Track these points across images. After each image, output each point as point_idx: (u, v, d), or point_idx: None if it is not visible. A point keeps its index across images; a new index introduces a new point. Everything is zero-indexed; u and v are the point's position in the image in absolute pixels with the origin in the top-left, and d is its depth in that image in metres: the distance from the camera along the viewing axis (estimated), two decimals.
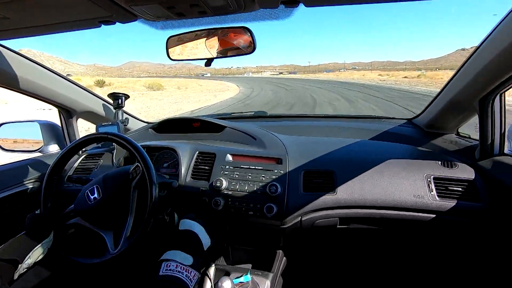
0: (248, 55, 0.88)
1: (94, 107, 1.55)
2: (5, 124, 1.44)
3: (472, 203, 1.02)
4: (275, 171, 1.19)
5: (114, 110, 1.49)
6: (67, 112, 1.50)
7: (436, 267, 1.43)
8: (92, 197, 0.90)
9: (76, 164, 1.44)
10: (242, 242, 1.32)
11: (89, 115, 1.59)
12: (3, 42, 1.08)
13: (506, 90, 1.00)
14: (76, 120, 1.54)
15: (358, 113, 10.23)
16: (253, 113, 1.99)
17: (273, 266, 1.24)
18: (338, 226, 1.16)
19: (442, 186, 1.07)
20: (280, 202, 1.11)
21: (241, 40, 0.84)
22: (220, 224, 1.22)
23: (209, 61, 0.90)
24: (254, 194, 1.14)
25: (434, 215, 1.05)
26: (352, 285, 1.53)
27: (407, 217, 1.07)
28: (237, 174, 1.20)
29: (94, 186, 0.91)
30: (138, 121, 1.86)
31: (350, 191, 1.10)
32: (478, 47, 0.96)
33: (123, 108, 1.50)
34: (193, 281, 0.79)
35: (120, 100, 1.29)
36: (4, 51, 1.08)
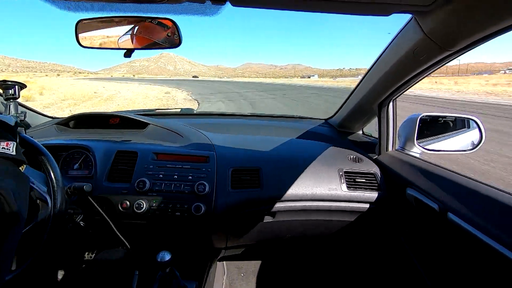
0: (172, 49, 0.84)
1: None
2: None
3: (374, 191, 1.20)
4: (203, 169, 1.17)
5: (5, 102, 1.23)
6: None
7: (350, 250, 1.64)
8: None
9: None
10: (168, 246, 1.27)
11: None
12: None
13: (397, 97, 1.21)
14: None
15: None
16: (179, 110, 1.92)
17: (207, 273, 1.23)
18: (265, 220, 1.21)
19: (351, 178, 1.23)
20: (209, 201, 1.10)
21: (166, 32, 0.79)
22: (143, 228, 1.14)
23: (128, 52, 0.82)
24: (181, 194, 1.10)
25: (345, 203, 1.20)
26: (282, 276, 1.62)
27: (323, 207, 1.20)
28: (162, 173, 1.14)
29: None
30: (40, 115, 1.58)
31: (275, 187, 1.17)
32: (376, 61, 1.14)
33: (18, 100, 1.25)
34: None
35: (13, 90, 1.07)
36: None
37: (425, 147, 1.21)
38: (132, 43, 0.81)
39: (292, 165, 1.25)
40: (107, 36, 0.82)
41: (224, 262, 1.65)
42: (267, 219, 1.22)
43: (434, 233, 1.01)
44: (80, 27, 0.82)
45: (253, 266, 1.66)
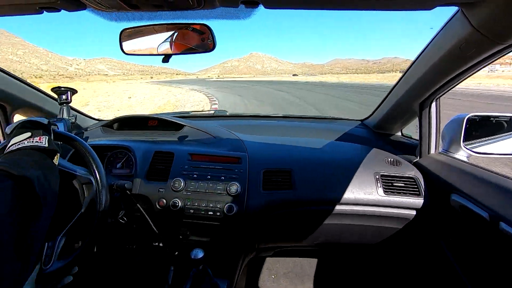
0: (208, 53, 0.87)
1: (35, 102, 1.39)
2: None
3: (413, 197, 1.13)
4: (235, 170, 1.19)
5: (59, 106, 1.36)
6: (2, 108, 1.33)
7: (387, 257, 1.55)
8: None
9: None
10: (201, 243, 1.31)
11: (29, 111, 1.43)
12: None
13: (441, 96, 1.12)
14: (13, 117, 1.37)
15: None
16: (213, 112, 1.97)
17: (237, 270, 1.25)
18: (296, 223, 1.20)
19: (388, 182, 1.17)
20: (241, 201, 1.12)
21: (201, 37, 0.82)
22: (178, 225, 1.19)
23: (166, 57, 0.87)
24: (214, 194, 1.13)
25: (381, 209, 1.14)
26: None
27: (358, 211, 1.15)
28: (196, 174, 1.18)
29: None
30: (88, 118, 1.72)
31: (307, 189, 1.15)
32: (417, 57, 1.07)
33: (70, 104, 1.38)
34: None
35: (66, 95, 1.18)
36: None
37: (473, 149, 1.11)
38: (170, 49, 0.85)
39: (324, 167, 1.22)
40: (148, 43, 0.87)
41: (256, 262, 1.66)
42: (299, 221, 1.20)
43: (483, 242, 0.92)
44: (124, 35, 0.88)
45: (284, 268, 1.65)
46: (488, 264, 0.91)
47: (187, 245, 1.25)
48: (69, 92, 1.17)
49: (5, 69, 1.24)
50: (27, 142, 0.69)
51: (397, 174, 1.19)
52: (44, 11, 0.72)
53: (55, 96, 1.22)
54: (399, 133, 1.54)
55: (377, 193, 1.14)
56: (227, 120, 1.80)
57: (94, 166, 0.85)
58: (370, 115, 1.63)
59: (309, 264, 1.66)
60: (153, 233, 1.22)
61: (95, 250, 1.32)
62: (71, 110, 1.23)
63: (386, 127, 1.53)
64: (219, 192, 1.13)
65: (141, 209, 1.15)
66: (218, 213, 1.11)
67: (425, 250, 1.25)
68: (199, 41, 0.82)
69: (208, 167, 1.20)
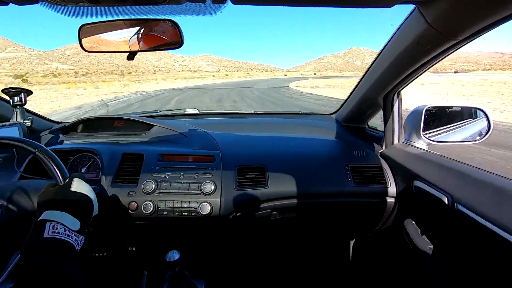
0: (174, 49, 0.85)
1: None
2: None
3: (381, 186, 1.19)
4: (209, 169, 1.17)
5: (12, 109, 1.25)
6: None
7: (357, 244, 1.63)
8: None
9: None
10: (176, 245, 1.28)
11: None
12: None
13: (402, 89, 1.20)
14: None
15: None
16: (182, 111, 1.92)
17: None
18: (272, 218, 1.22)
19: (357, 173, 1.23)
20: (215, 200, 1.11)
21: (167, 34, 0.79)
22: (151, 229, 1.15)
23: (131, 55, 0.83)
24: (187, 194, 1.11)
25: (353, 199, 1.20)
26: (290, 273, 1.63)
27: (332, 202, 1.20)
28: (168, 174, 1.15)
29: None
30: (46, 121, 1.60)
31: (280, 184, 1.17)
32: (380, 53, 1.12)
33: (25, 106, 1.27)
34: (80, 245, 0.71)
35: (19, 97, 1.08)
36: None
37: (431, 139, 1.20)
38: (134, 45, 0.81)
39: (297, 162, 1.24)
40: (110, 40, 0.82)
41: (233, 261, 1.66)
42: (274, 217, 1.22)
43: (443, 225, 1.00)
44: (83, 31, 0.82)
45: (263, 265, 1.67)
46: (449, 243, 0.99)
47: (161, 248, 1.21)
48: (23, 93, 1.07)
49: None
50: None
51: (365, 165, 1.25)
52: None
53: (7, 98, 1.12)
54: (366, 126, 1.62)
55: (348, 184, 1.19)
56: (198, 119, 1.77)
57: (58, 172, 0.79)
58: (339, 109, 1.69)
59: (288, 261, 1.69)
60: (124, 238, 1.17)
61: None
62: (26, 113, 1.13)
63: (354, 120, 1.60)
64: (193, 192, 1.11)
65: (110, 214, 1.10)
66: (192, 213, 1.09)
67: (394, 233, 1.33)
68: (165, 37, 0.80)
69: (180, 167, 1.17)
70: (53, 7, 0.68)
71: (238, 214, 1.15)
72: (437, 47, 0.85)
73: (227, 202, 1.12)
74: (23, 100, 1.11)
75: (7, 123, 1.19)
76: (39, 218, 0.67)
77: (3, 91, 1.19)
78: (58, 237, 0.65)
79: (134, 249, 1.31)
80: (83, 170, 1.19)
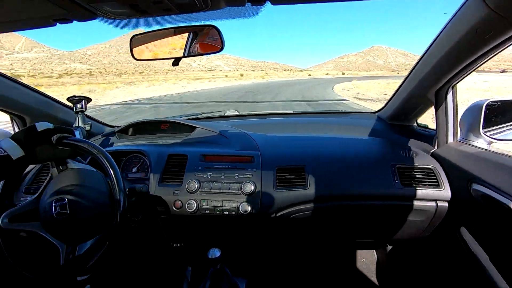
0: (216, 54, 0.87)
1: (51, 112, 1.44)
2: None
3: (432, 188, 1.10)
4: (249, 169, 1.19)
5: (74, 115, 1.40)
6: (20, 119, 1.38)
7: (408, 250, 1.52)
8: (59, 210, 0.81)
9: (31, 175, 1.31)
10: (218, 243, 1.32)
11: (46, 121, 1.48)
12: None
13: (457, 83, 1.09)
14: None
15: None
16: (223, 112, 1.98)
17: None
18: (311, 219, 1.19)
19: (405, 174, 1.15)
20: (255, 200, 1.12)
21: (209, 39, 0.82)
22: (194, 226, 1.20)
23: (176, 61, 0.87)
24: (228, 194, 1.14)
25: (400, 202, 1.12)
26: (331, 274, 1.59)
27: (376, 205, 1.13)
28: (210, 174, 1.19)
29: (65, 199, 0.82)
30: (103, 125, 1.76)
31: (321, 185, 1.14)
32: (431, 44, 1.04)
33: (86, 112, 1.41)
34: None
35: (81, 104, 1.21)
36: None
37: (493, 136, 1.07)
38: (179, 52, 0.85)
39: (339, 162, 1.20)
40: (157, 48, 0.88)
41: (274, 260, 1.66)
42: (315, 217, 1.19)
43: (507, 234, 0.89)
44: (134, 42, 0.89)
45: (303, 266, 1.64)
46: None
47: (204, 245, 1.26)
48: (83, 101, 1.20)
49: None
50: None
51: (414, 166, 1.16)
52: (57, 23, 0.74)
53: (71, 105, 1.25)
54: (415, 124, 1.50)
55: (395, 186, 1.12)
56: (238, 120, 1.81)
57: (111, 170, 0.86)
58: (384, 107, 1.60)
59: (328, 262, 1.65)
60: (169, 235, 1.24)
61: (113, 253, 1.35)
62: (86, 118, 1.26)
63: (401, 117, 1.49)
64: (233, 191, 1.14)
65: (157, 211, 1.17)
66: (233, 213, 1.11)
67: (446, 242, 1.22)
68: (208, 42, 0.83)
69: (221, 167, 1.21)
70: (108, 21, 0.74)
71: (278, 215, 1.14)
72: (499, 34, 0.76)
73: (267, 202, 1.12)
74: (84, 107, 1.23)
75: (71, 127, 1.34)
76: None
77: (68, 99, 1.34)
78: None
79: (178, 245, 1.38)
80: (133, 170, 1.28)
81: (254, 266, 1.35)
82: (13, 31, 0.80)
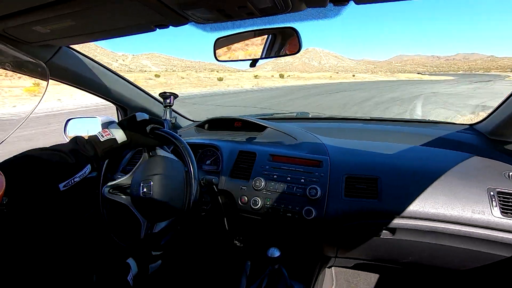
0: (293, 55, 0.88)
1: (146, 105, 1.67)
2: (71, 120, 1.61)
3: None
4: (316, 173, 1.16)
5: (163, 109, 1.59)
6: (123, 109, 1.64)
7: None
8: (145, 190, 0.94)
9: (127, 157, 1.55)
10: (278, 244, 1.32)
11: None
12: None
13: None
14: None
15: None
16: (295, 114, 1.97)
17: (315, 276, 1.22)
18: (382, 236, 1.09)
19: (508, 201, 0.95)
20: (320, 206, 1.08)
21: (287, 41, 0.83)
22: (256, 223, 1.23)
23: (254, 62, 0.91)
24: (293, 196, 1.13)
25: (496, 233, 0.93)
26: None
27: (462, 233, 0.97)
28: (276, 174, 1.20)
29: (151, 182, 0.95)
30: (185, 119, 1.96)
31: (396, 200, 1.03)
32: None
33: (172, 107, 1.60)
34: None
35: (169, 99, 1.37)
36: (71, 52, 1.21)
37: None
38: (259, 53, 0.89)
39: (420, 177, 1.06)
40: (238, 49, 0.93)
41: (334, 271, 1.58)
42: (385, 235, 1.09)
43: None
44: (217, 44, 0.96)
45: (366, 282, 1.52)
46: None
47: (264, 243, 1.28)
48: (172, 96, 1.35)
49: None
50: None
51: None
52: (157, 28, 0.85)
53: (161, 99, 1.43)
54: None
55: (491, 213, 0.94)
56: (309, 123, 1.78)
57: (189, 161, 0.96)
58: (484, 119, 1.35)
59: (393, 284, 1.49)
60: (232, 228, 1.30)
61: (183, 236, 1.49)
62: (172, 112, 1.42)
63: (507, 133, 1.24)
64: (298, 194, 1.13)
65: (224, 203, 1.24)
66: (296, 215, 1.10)
67: None
68: (286, 44, 0.84)
69: (288, 168, 1.21)
70: (198, 25, 0.82)
71: (343, 225, 1.08)
72: None
73: (333, 211, 1.07)
74: (171, 102, 1.39)
75: (161, 119, 1.53)
76: None
77: (159, 94, 1.54)
78: None
79: (240, 239, 1.44)
80: (207, 162, 1.39)
81: (313, 273, 1.31)
82: (119, 36, 0.94)
